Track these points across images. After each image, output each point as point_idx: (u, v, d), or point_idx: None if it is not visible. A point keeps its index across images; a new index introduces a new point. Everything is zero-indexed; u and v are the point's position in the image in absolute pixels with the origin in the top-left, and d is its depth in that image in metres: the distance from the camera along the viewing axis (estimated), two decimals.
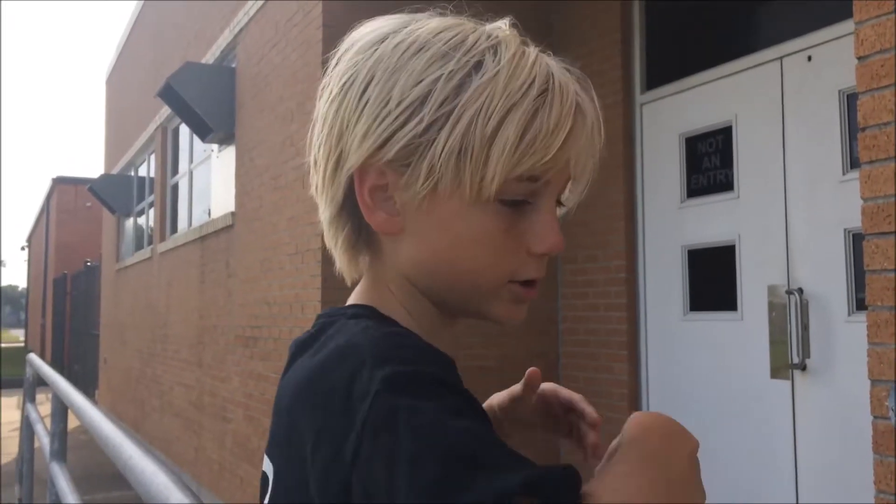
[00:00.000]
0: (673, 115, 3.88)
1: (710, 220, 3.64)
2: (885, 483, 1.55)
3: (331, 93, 0.68)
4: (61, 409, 2.35)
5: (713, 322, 3.61)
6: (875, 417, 1.63)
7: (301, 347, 0.67)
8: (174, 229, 7.90)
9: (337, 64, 0.68)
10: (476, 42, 0.64)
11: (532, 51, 0.66)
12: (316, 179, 0.71)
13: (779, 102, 3.31)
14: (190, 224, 7.31)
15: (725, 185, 3.58)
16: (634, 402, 3.96)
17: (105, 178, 10.99)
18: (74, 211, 22.44)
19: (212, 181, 6.65)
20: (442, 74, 0.62)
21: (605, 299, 4.13)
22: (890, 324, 1.54)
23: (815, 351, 3.08)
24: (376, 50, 0.65)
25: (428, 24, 0.66)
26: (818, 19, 3.15)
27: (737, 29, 3.67)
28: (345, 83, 0.66)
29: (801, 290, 3.13)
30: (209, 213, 6.66)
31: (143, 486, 0.96)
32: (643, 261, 4.01)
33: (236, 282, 5.39)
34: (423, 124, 0.62)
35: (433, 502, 0.48)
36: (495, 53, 0.64)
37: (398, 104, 0.63)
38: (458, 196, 0.63)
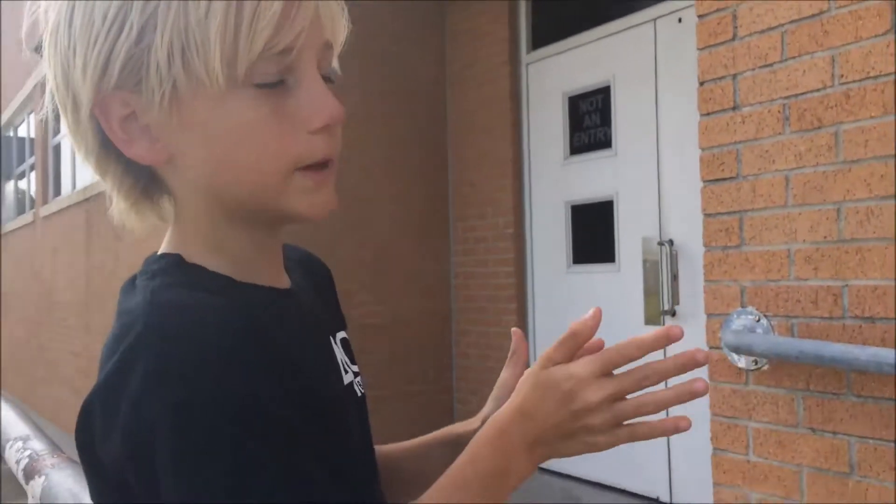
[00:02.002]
0: (557, 74, 3.99)
1: (591, 177, 3.79)
2: (718, 407, 1.71)
3: (47, 41, 0.64)
4: None
5: (594, 274, 3.78)
6: (710, 348, 1.78)
7: (118, 301, 0.65)
8: (57, 192, 7.56)
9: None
10: None
11: None
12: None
13: (652, 63, 3.46)
14: (74, 187, 7.01)
15: (605, 143, 3.72)
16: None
17: None
18: None
19: None
20: None
21: (495, 255, 4.25)
22: (722, 262, 1.68)
23: (684, 298, 3.28)
24: None
25: None
26: None
27: None
28: (54, 26, 0.63)
29: (671, 242, 3.32)
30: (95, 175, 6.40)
31: None
32: (530, 217, 4.14)
33: (124, 245, 5.24)
34: (135, 31, 0.58)
35: None
36: None
37: (103, 20, 0.58)
38: (203, 94, 0.59)
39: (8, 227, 9.39)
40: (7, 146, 9.83)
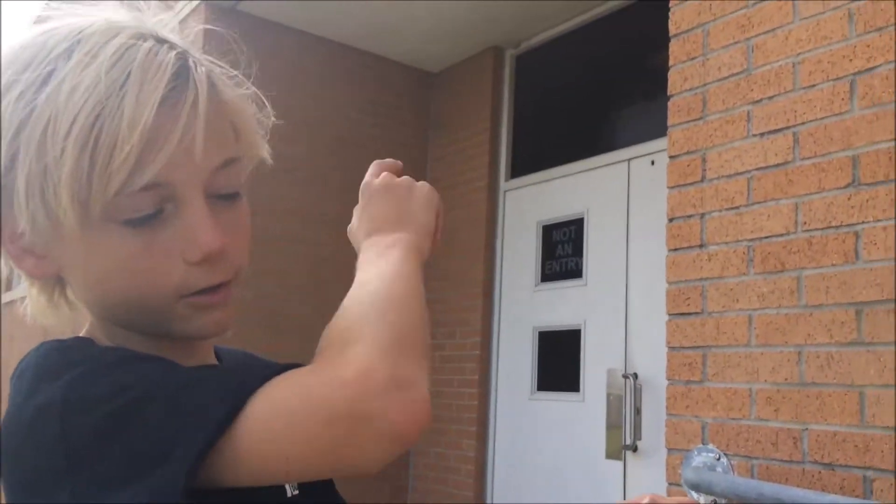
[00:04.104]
0: (533, 203, 4.10)
1: (560, 305, 3.83)
2: None
3: None
4: None
5: (558, 402, 3.75)
6: (669, 484, 1.76)
7: None
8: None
9: None
10: (54, 46, 0.56)
11: (118, 40, 0.56)
12: None
13: (625, 200, 3.58)
14: None
15: (576, 272, 3.79)
16: (481, 478, 4.01)
17: None
18: None
19: None
20: (11, 99, 0.55)
21: (460, 375, 4.21)
22: (685, 397, 1.69)
23: (646, 433, 3.25)
24: None
25: (28, 36, 0.59)
26: (661, 129, 3.47)
27: (593, 131, 3.98)
28: None
29: (636, 375, 3.33)
30: None
31: None
32: (497, 340, 4.14)
33: None
34: (4, 162, 0.56)
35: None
36: (69, 57, 0.55)
37: None
38: (67, 231, 0.56)
39: None
40: None
